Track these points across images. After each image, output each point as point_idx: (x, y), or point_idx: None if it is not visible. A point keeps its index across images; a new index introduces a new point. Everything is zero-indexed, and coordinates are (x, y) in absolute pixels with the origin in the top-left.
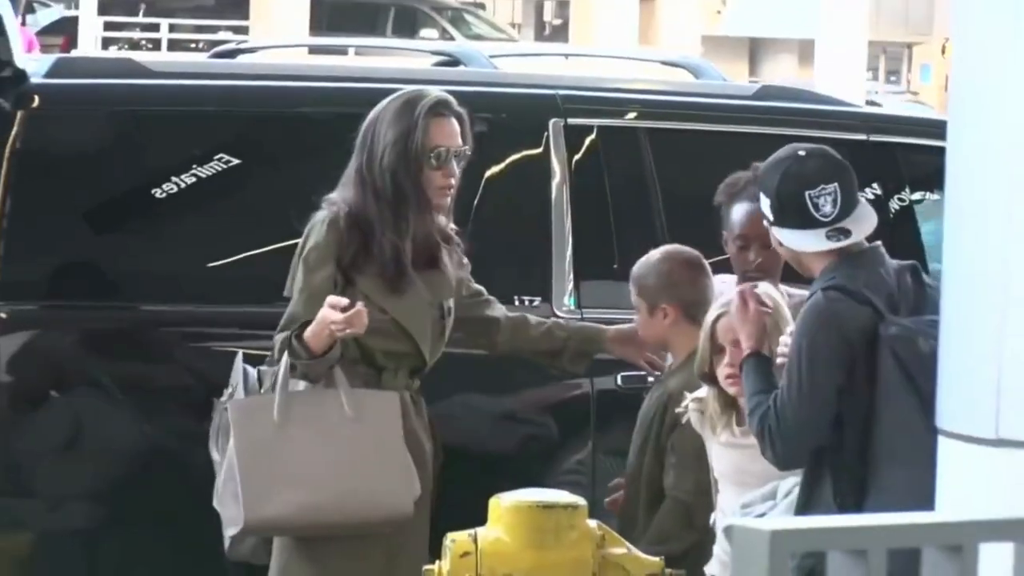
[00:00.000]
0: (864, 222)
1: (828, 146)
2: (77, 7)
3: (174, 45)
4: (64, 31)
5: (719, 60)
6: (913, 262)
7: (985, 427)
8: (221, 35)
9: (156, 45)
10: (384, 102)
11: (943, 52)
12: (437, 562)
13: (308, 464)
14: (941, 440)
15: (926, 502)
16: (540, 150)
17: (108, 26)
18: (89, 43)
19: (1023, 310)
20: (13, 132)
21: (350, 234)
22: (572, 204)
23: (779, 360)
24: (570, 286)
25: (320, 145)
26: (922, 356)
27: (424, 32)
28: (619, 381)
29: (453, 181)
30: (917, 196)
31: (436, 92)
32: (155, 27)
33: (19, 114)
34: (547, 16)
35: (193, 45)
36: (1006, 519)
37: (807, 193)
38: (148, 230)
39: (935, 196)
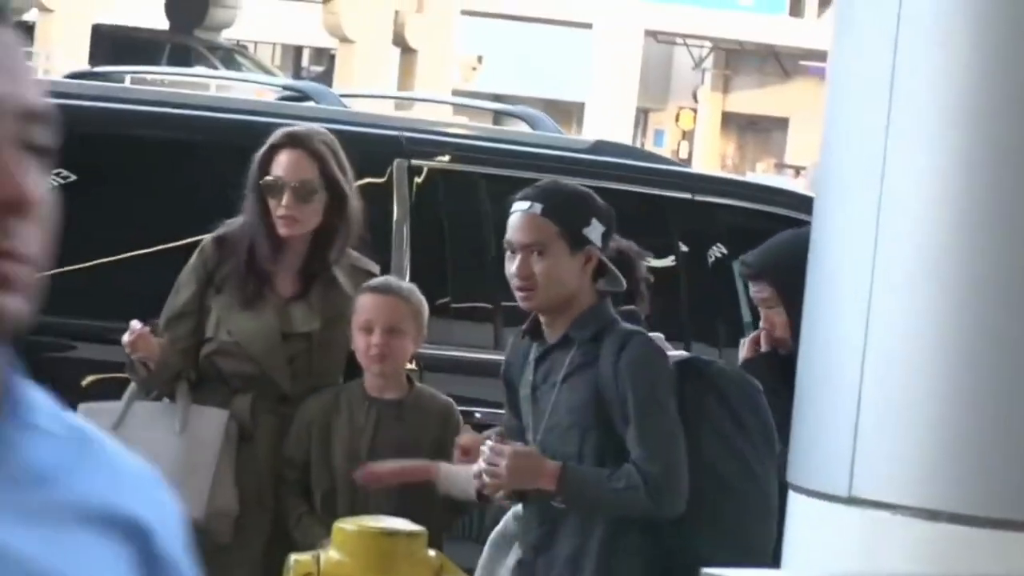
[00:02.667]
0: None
1: (657, 202)
2: None
3: None
4: None
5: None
6: (634, 307)
7: (838, 485)
8: None
9: None
10: None
11: (677, 120)
12: None
13: None
14: (792, 496)
15: (762, 532)
16: (383, 188)
17: None
18: None
19: (880, 367)
20: None
21: (214, 256)
22: (411, 241)
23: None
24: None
25: (162, 169)
26: (742, 389)
27: (197, 69)
28: None
29: (291, 213)
30: (735, 253)
31: (294, 127)
32: None
33: None
34: (305, 62)
35: None
36: None
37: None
38: None
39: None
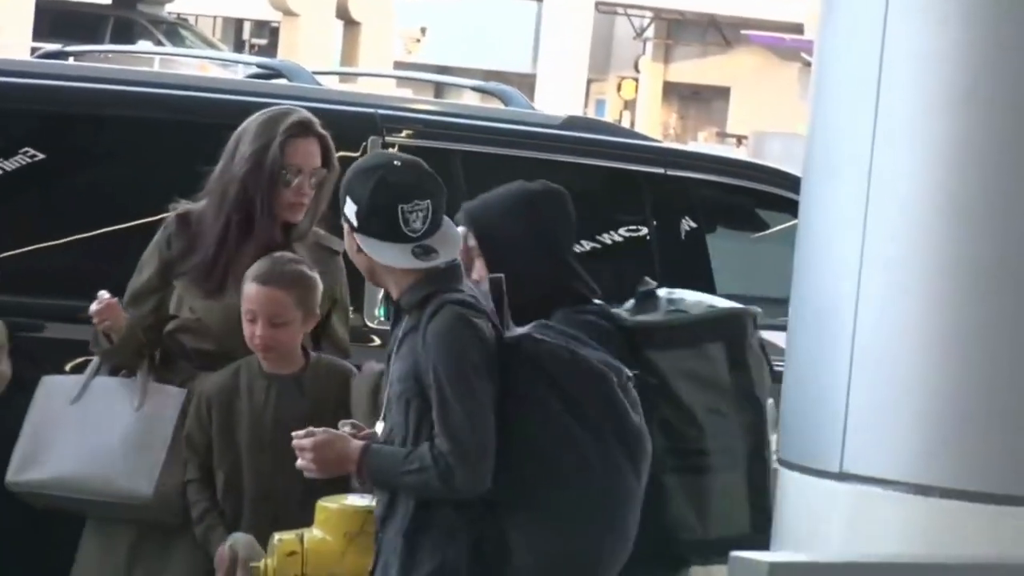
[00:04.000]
0: (450, 243)
1: (630, 177)
2: None
3: None
4: None
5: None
6: (501, 276)
7: (829, 460)
8: None
9: None
10: (252, 116)
11: (619, 89)
12: (264, 559)
13: (73, 442)
14: (783, 472)
15: (595, 524)
16: None
17: None
18: None
19: (870, 342)
20: None
21: (177, 236)
22: None
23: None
24: (380, 297)
25: (133, 148)
26: (579, 373)
27: (141, 43)
28: None
29: (305, 200)
30: (707, 227)
31: (301, 113)
32: None
33: None
34: (245, 36)
35: None
36: None
37: (400, 206)
38: None
39: (723, 228)
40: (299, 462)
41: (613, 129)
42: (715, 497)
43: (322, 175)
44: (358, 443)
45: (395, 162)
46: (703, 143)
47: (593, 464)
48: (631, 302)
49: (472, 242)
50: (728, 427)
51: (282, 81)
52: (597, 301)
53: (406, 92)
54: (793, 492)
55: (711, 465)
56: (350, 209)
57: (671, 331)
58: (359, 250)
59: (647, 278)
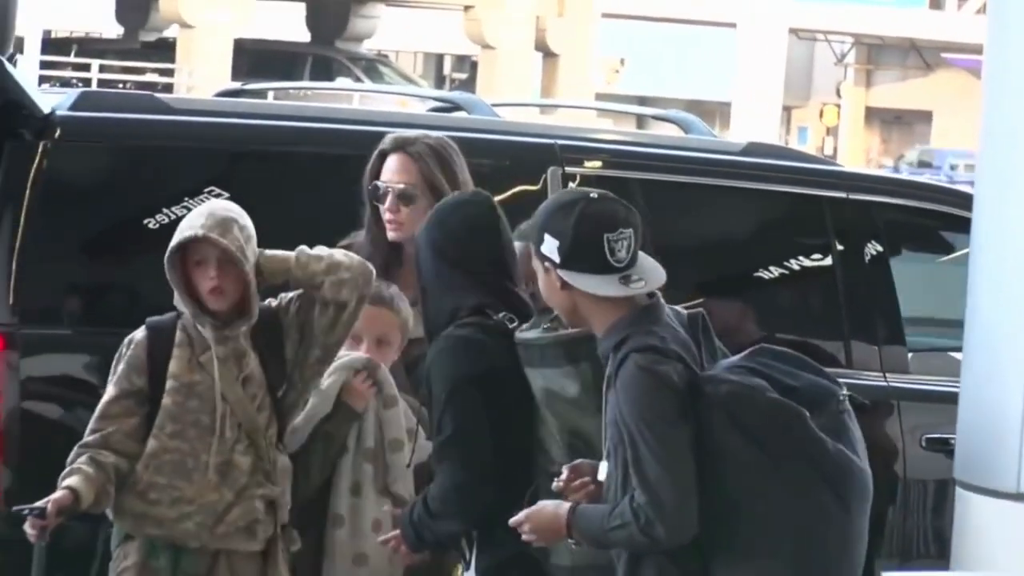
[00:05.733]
0: (655, 273)
1: (812, 202)
2: (20, 49)
3: (103, 85)
4: None
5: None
6: (700, 311)
7: (1006, 481)
8: (147, 76)
9: (87, 84)
10: None
11: (821, 116)
12: None
13: None
14: (960, 493)
15: (789, 565)
16: (538, 196)
17: (44, 64)
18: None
19: None
20: (35, 162)
21: None
22: None
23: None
24: None
25: (313, 183)
26: (762, 412)
27: (339, 80)
28: None
29: (391, 216)
30: (890, 251)
31: (397, 132)
32: (86, 67)
33: (41, 145)
34: (447, 70)
35: (121, 85)
36: None
37: (606, 235)
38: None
39: (907, 251)
40: (523, 537)
41: (794, 154)
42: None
43: (414, 195)
44: (565, 506)
45: (591, 194)
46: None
47: (790, 507)
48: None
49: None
50: (587, 451)
51: (461, 114)
52: (500, 315)
53: (606, 123)
54: (969, 513)
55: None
56: (550, 246)
57: (543, 348)
58: (562, 287)
59: None
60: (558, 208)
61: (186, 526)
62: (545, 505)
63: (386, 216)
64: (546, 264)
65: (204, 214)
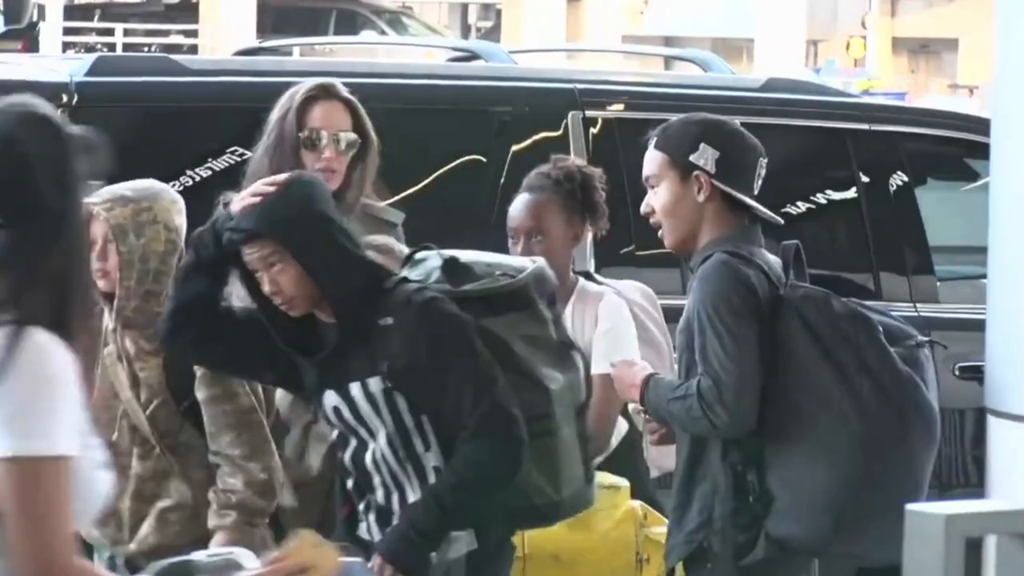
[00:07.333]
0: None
1: (834, 135)
2: (42, 16)
3: (128, 49)
4: (21, 36)
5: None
6: (795, 242)
7: None
8: (172, 39)
9: (112, 49)
10: None
11: (847, 48)
12: None
13: None
14: (991, 420)
15: (835, 474)
16: (560, 141)
17: (67, 31)
18: (51, 47)
19: None
20: None
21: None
22: None
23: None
24: (591, 270)
25: None
26: (834, 318)
27: (364, 34)
28: None
29: (334, 166)
30: (915, 181)
31: (324, 79)
32: (110, 31)
33: (58, 111)
34: (471, 19)
35: (146, 48)
36: None
37: (760, 160)
38: None
39: (933, 181)
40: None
41: (815, 88)
42: (561, 458)
43: (354, 142)
44: (648, 370)
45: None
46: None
47: (850, 417)
48: (438, 272)
49: (268, 249)
50: (562, 385)
51: (479, 63)
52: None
53: (632, 66)
54: (1003, 440)
55: (554, 428)
56: (707, 155)
57: (508, 296)
58: (707, 198)
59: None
60: (715, 122)
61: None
62: (635, 363)
63: (317, 164)
64: (695, 172)
65: (109, 190)
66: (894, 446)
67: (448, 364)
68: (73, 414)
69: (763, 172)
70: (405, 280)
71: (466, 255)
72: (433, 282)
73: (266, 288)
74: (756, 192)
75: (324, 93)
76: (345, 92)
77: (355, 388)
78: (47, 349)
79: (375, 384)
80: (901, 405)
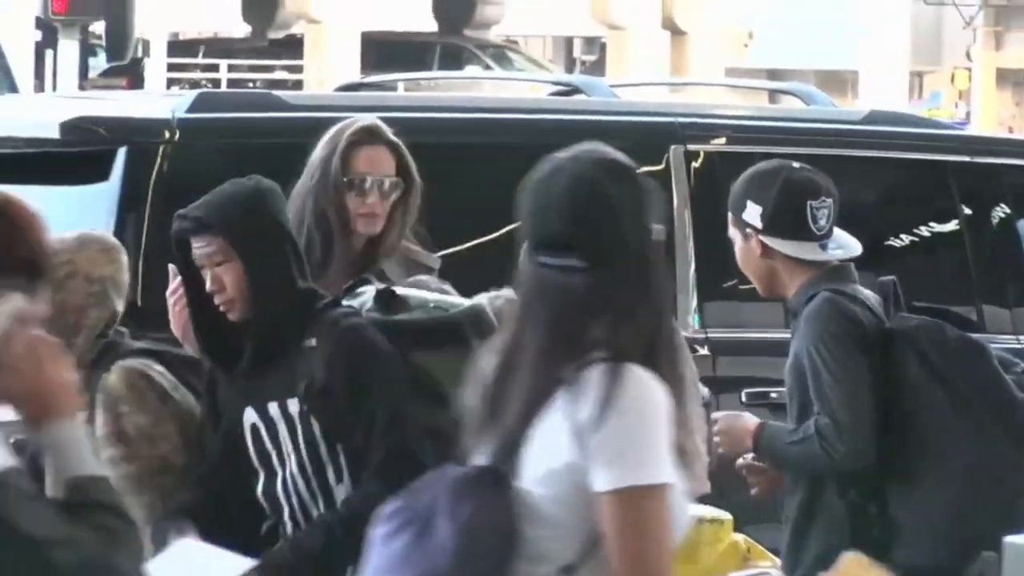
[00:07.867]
0: (851, 243)
1: (936, 167)
2: (147, 52)
3: (233, 85)
4: (126, 73)
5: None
6: (892, 278)
7: None
8: (277, 74)
9: (216, 85)
10: None
11: (952, 80)
12: None
13: None
14: None
15: (959, 500)
16: (661, 175)
17: (172, 67)
18: (155, 83)
19: None
20: (156, 164)
21: None
22: (693, 227)
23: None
24: (693, 305)
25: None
26: (948, 346)
27: (468, 68)
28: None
29: (376, 210)
30: (1017, 213)
31: (369, 119)
32: (215, 67)
33: (161, 148)
34: (576, 53)
35: (250, 84)
36: None
37: (809, 203)
38: None
39: None
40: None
41: (916, 120)
42: None
43: (397, 184)
44: (756, 420)
45: (794, 164)
46: None
47: (967, 445)
48: (371, 302)
49: (214, 247)
50: None
51: (580, 97)
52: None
53: (734, 99)
54: None
55: None
56: (752, 213)
57: (442, 332)
58: (763, 253)
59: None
60: (761, 176)
61: None
62: (741, 415)
63: (361, 208)
64: (747, 230)
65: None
66: (1012, 472)
67: (361, 392)
68: (667, 443)
69: (828, 210)
70: (336, 303)
71: (406, 290)
72: (365, 311)
73: (208, 285)
74: (827, 229)
75: (369, 136)
76: (390, 134)
77: (273, 408)
78: (647, 384)
79: (293, 405)
80: (1018, 430)
